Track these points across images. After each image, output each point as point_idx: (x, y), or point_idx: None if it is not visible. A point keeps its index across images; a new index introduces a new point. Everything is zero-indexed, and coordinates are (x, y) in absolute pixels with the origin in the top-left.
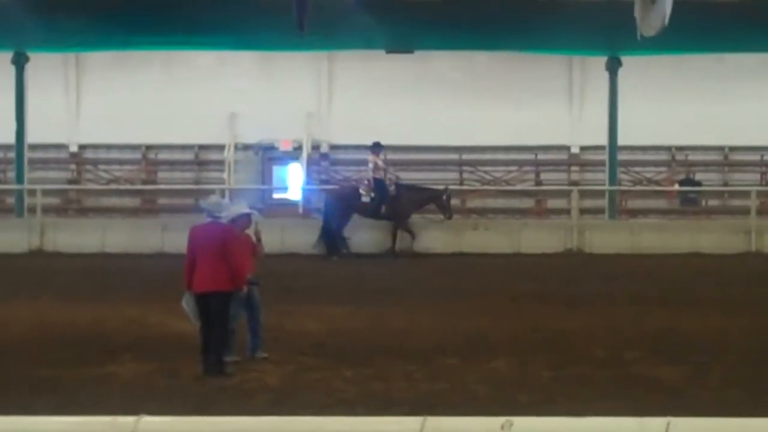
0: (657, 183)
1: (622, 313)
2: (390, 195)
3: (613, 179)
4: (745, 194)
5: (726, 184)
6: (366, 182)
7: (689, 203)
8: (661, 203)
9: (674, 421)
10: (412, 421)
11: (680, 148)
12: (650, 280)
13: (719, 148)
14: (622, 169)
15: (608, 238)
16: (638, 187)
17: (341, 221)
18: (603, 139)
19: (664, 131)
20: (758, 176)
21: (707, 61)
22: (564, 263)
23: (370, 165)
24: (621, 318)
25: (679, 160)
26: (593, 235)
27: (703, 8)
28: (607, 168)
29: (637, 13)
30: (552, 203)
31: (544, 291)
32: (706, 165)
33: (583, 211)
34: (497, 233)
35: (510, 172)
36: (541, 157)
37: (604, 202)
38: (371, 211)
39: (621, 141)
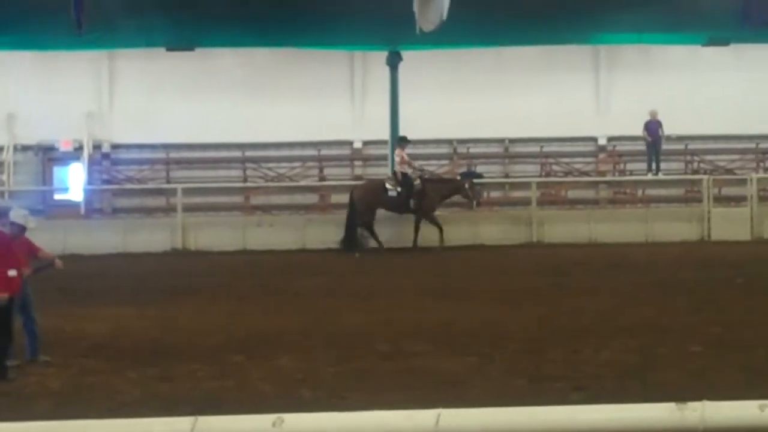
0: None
1: (405, 306)
2: (416, 188)
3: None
4: (526, 185)
5: (507, 176)
6: (392, 176)
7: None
8: None
9: (444, 412)
10: (183, 422)
11: (461, 141)
12: (433, 273)
13: (500, 141)
14: None
15: (392, 232)
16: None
17: (368, 216)
18: (385, 134)
19: (446, 125)
20: (538, 167)
21: (486, 55)
22: (349, 258)
23: (397, 159)
24: (404, 311)
25: (460, 153)
26: (376, 228)
27: (481, 3)
28: (389, 162)
29: (416, 8)
30: (336, 198)
31: (328, 286)
32: (487, 157)
33: None
34: (282, 229)
35: (294, 168)
36: (325, 152)
37: None
38: (399, 206)
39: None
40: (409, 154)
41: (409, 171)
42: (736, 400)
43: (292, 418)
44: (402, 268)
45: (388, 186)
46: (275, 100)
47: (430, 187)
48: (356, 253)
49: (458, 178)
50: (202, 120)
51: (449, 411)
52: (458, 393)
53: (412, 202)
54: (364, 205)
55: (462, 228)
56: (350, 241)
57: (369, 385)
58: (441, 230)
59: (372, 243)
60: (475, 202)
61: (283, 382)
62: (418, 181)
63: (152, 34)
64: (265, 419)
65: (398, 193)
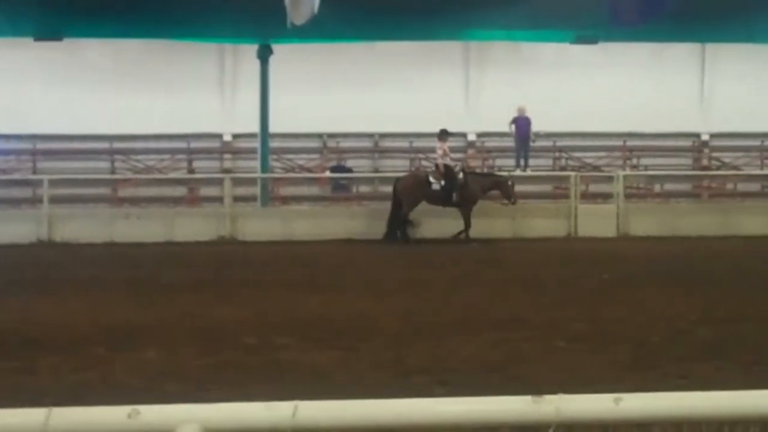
0: (309, 170)
1: (274, 299)
2: (459, 182)
3: (265, 167)
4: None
5: (376, 171)
6: (436, 169)
7: (341, 190)
8: (313, 190)
9: (301, 404)
10: (37, 413)
11: (332, 135)
12: (302, 267)
13: (370, 135)
14: (275, 156)
15: (261, 225)
16: (290, 174)
17: (407, 209)
18: (255, 127)
19: (316, 118)
20: (407, 162)
21: (357, 50)
22: (217, 251)
23: (439, 152)
24: (272, 304)
25: (330, 147)
26: (246, 222)
27: None
28: (259, 156)
29: (287, 1)
30: (205, 191)
31: (195, 279)
32: (357, 152)
33: (236, 199)
34: (150, 222)
35: (163, 160)
36: (194, 145)
37: (256, 190)
38: (442, 199)
39: (273, 128)
40: (278, 148)
41: (451, 163)
42: (593, 393)
43: (146, 410)
44: (273, 260)
45: (431, 179)
46: (144, 91)
47: (472, 180)
48: (408, 242)
49: (503, 173)
50: (70, 111)
51: (306, 403)
52: (322, 386)
53: (455, 195)
54: (408, 197)
55: (331, 222)
56: (394, 233)
57: (234, 377)
58: (468, 226)
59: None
60: (512, 200)
61: (148, 375)
62: (460, 174)
63: (19, 23)
64: (121, 411)
65: (442, 186)
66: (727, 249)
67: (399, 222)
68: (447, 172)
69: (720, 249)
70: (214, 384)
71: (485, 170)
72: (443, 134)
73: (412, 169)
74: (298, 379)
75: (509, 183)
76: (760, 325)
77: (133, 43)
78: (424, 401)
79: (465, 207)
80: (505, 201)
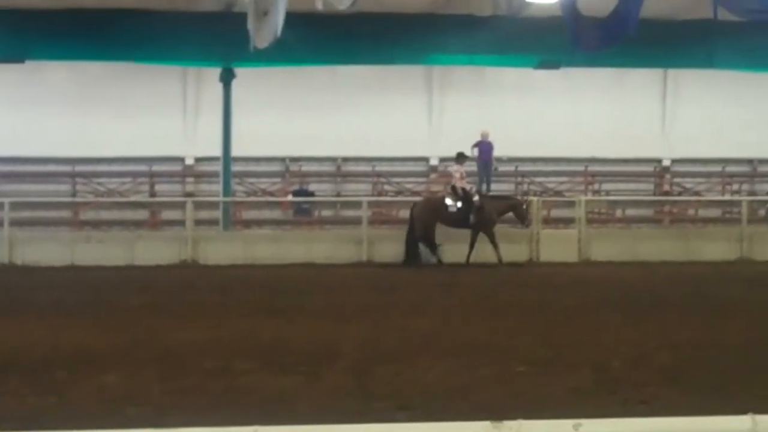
0: (271, 194)
1: (235, 324)
2: (476, 205)
3: (227, 190)
4: (357, 204)
5: (339, 195)
6: (452, 192)
7: (303, 214)
8: (275, 214)
9: (261, 429)
10: None
11: (294, 159)
12: (264, 291)
13: (332, 159)
14: (237, 180)
15: (223, 249)
16: (252, 198)
17: (428, 232)
18: (218, 151)
19: (279, 142)
20: (370, 186)
21: (320, 74)
22: (178, 275)
23: (456, 175)
24: (233, 329)
25: (293, 171)
26: (208, 246)
27: (315, 21)
28: (221, 179)
29: (250, 25)
30: (167, 214)
31: (156, 303)
32: (319, 176)
33: (197, 222)
34: (111, 245)
35: (124, 183)
36: (156, 168)
37: (218, 213)
38: (459, 221)
39: (235, 152)
40: (241, 172)
41: (467, 187)
42: (553, 419)
43: None
44: (234, 284)
45: (448, 202)
46: (107, 114)
47: (488, 204)
48: (429, 264)
49: (519, 197)
50: (32, 133)
51: (266, 428)
52: (284, 411)
53: (472, 218)
54: (424, 221)
55: (293, 246)
56: (411, 257)
57: (195, 403)
58: (497, 248)
59: (431, 258)
60: (525, 223)
61: (108, 400)
62: (476, 197)
63: None
64: None
65: (458, 209)
66: (688, 274)
67: (416, 245)
68: (464, 195)
69: (681, 274)
70: (174, 409)
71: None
72: (460, 157)
73: (375, 194)
74: (259, 404)
75: (524, 206)
76: (721, 351)
77: (95, 66)
78: (385, 426)
79: (485, 230)
80: (520, 224)
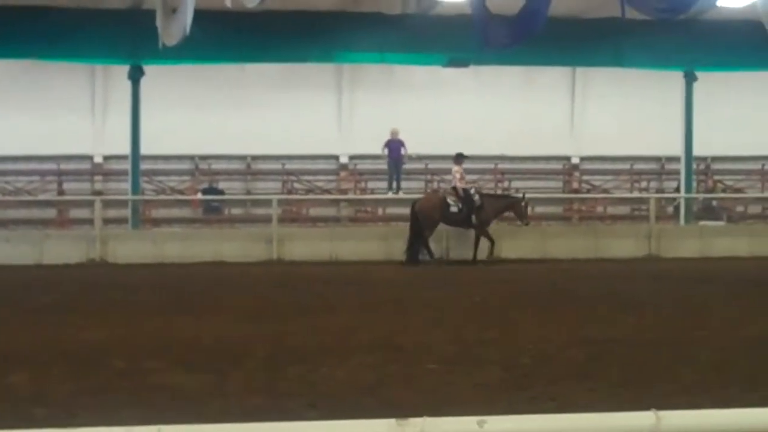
0: (180, 192)
1: (144, 323)
2: (477, 204)
3: (136, 189)
4: (267, 203)
5: (248, 193)
6: (453, 192)
7: (212, 212)
8: (185, 212)
9: (165, 428)
10: None
11: (203, 157)
12: (174, 290)
13: (242, 157)
14: (146, 178)
15: (131, 248)
16: (162, 197)
17: (428, 231)
18: (127, 149)
19: (188, 140)
20: (280, 185)
21: (229, 71)
22: (87, 273)
23: (457, 175)
24: (142, 328)
25: (202, 169)
26: (117, 244)
27: (223, 18)
28: (130, 177)
29: (158, 22)
30: (75, 213)
31: (65, 302)
32: (229, 174)
33: (106, 221)
34: (18, 244)
35: (32, 182)
36: (64, 166)
37: (127, 212)
38: (461, 221)
39: (144, 150)
40: (150, 170)
41: (466, 186)
42: (458, 416)
43: None
44: (143, 283)
45: (449, 201)
46: (14, 112)
47: (488, 202)
48: (435, 262)
49: (517, 194)
50: None
51: (170, 427)
52: (193, 410)
53: (473, 218)
54: (426, 219)
55: (203, 244)
56: (416, 255)
57: (104, 402)
58: (493, 244)
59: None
60: (525, 221)
61: (15, 400)
62: (477, 197)
63: None
64: None
65: (459, 208)
66: (597, 271)
67: (419, 244)
68: (465, 195)
69: (590, 271)
70: (82, 409)
71: (357, 192)
72: (459, 157)
73: (285, 192)
74: (169, 404)
75: (523, 204)
76: (628, 347)
77: (1, 63)
78: (293, 425)
79: (480, 228)
80: (519, 222)
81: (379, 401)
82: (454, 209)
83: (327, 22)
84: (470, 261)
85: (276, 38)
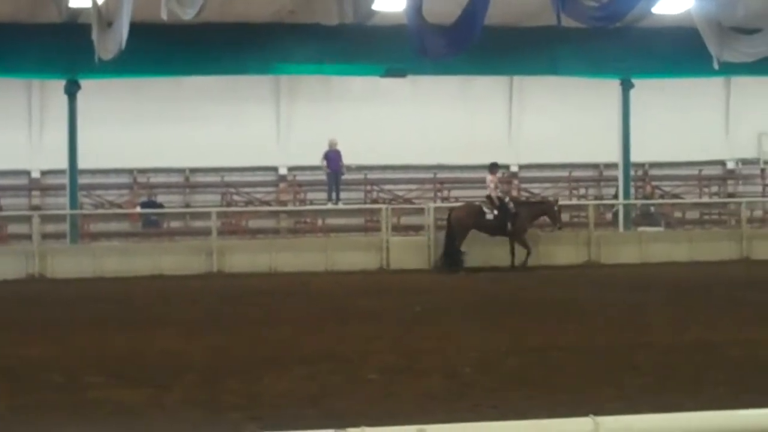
0: (119, 206)
1: (84, 337)
2: (512, 212)
3: (74, 203)
4: (207, 215)
5: (187, 206)
6: (488, 200)
7: (151, 225)
8: (123, 226)
9: None
10: None
11: (142, 171)
12: (113, 304)
13: (180, 170)
14: (84, 192)
15: (70, 263)
16: (100, 211)
17: (459, 239)
18: (64, 163)
19: (126, 154)
20: (219, 197)
21: (166, 84)
22: (25, 289)
23: (491, 185)
24: (81, 342)
25: (140, 183)
26: (55, 259)
27: (159, 32)
28: (68, 192)
29: (94, 36)
30: (13, 229)
31: (2, 318)
32: (167, 187)
33: (44, 236)
34: None
35: None
36: (1, 182)
37: (65, 227)
38: (496, 229)
39: (82, 164)
40: (88, 184)
41: (500, 195)
42: (396, 426)
43: None
44: (82, 298)
45: (485, 209)
46: None
47: (522, 210)
48: (460, 272)
49: (551, 199)
50: None
51: None
52: (133, 424)
53: (509, 226)
54: (459, 226)
55: (142, 258)
56: (452, 261)
57: (43, 418)
58: (529, 252)
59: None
60: (558, 226)
61: None
62: (511, 205)
63: None
64: None
65: (495, 216)
66: (537, 278)
67: (455, 252)
68: (500, 204)
69: (530, 279)
70: (20, 425)
71: (296, 203)
72: (494, 167)
73: (224, 204)
74: (108, 418)
75: (556, 209)
76: (567, 354)
77: None
78: None
79: (517, 236)
80: (552, 227)
81: (320, 412)
82: (489, 217)
83: (264, 33)
84: (507, 267)
85: (213, 50)
